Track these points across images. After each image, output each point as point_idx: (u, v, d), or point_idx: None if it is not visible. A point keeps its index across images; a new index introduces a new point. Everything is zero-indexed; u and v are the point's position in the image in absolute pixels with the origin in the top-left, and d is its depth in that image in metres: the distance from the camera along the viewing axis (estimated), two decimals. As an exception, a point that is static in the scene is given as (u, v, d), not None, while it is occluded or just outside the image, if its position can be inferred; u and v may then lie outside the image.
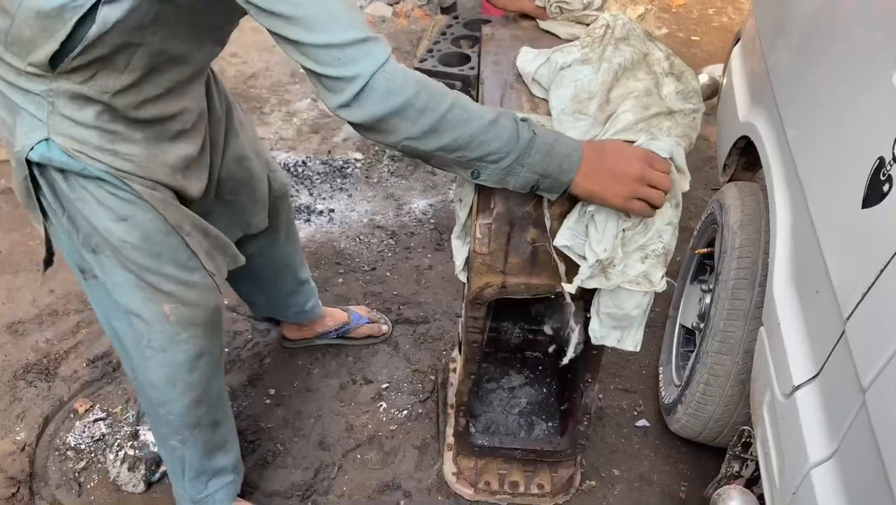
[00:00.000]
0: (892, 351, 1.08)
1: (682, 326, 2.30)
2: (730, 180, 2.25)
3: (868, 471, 1.13)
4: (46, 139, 1.21)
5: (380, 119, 1.05)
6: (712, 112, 3.53)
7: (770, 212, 1.68)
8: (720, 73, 2.56)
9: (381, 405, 2.26)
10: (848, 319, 1.24)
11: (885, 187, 1.20)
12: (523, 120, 1.16)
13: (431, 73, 2.95)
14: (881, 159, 1.23)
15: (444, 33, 3.26)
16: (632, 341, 1.44)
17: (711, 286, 2.07)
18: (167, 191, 1.34)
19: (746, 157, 2.17)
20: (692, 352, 2.22)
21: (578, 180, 1.19)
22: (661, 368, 2.30)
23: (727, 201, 1.96)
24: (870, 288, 1.19)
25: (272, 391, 2.31)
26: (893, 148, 1.20)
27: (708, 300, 2.07)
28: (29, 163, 1.23)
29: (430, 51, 3.12)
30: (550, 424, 2.13)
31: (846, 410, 1.21)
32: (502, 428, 2.10)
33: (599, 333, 1.43)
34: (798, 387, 1.39)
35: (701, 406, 1.87)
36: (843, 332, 1.26)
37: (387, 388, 2.31)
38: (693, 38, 4.17)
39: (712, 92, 2.63)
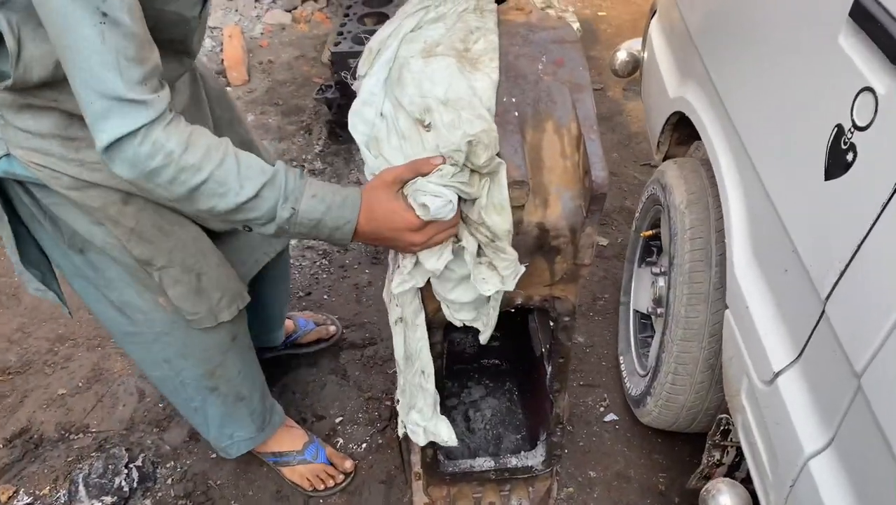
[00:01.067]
0: (886, 332, 1.01)
1: (637, 312, 2.23)
2: (665, 158, 2.19)
3: (872, 458, 1.07)
4: (7, 154, 1.18)
5: (131, 181, 1.01)
6: (630, 87, 3.51)
7: (719, 189, 1.61)
8: (639, 48, 2.49)
9: (338, 441, 2.11)
10: (827, 298, 1.17)
11: (849, 157, 1.13)
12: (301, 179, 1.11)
13: (350, 55, 2.87)
14: (839, 127, 1.16)
15: (346, 15, 3.15)
16: (482, 323, 1.31)
17: (662, 269, 2.01)
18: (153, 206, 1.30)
19: (680, 132, 2.11)
20: (651, 337, 2.16)
21: (361, 239, 1.16)
22: (621, 358, 2.23)
23: (668, 181, 1.89)
24: (847, 266, 1.12)
25: (217, 443, 2.13)
26: (852, 114, 1.13)
27: (662, 284, 2.00)
28: None
29: (341, 33, 3.00)
30: (519, 435, 2.03)
31: (839, 397, 1.15)
32: (471, 447, 1.99)
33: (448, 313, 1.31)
34: (779, 373, 1.32)
35: (672, 396, 1.80)
36: (823, 312, 1.19)
37: (341, 421, 2.16)
38: (600, 13, 4.13)
39: (633, 68, 2.56)
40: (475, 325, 1.33)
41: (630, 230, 2.68)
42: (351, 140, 1.20)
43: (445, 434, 1.46)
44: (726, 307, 1.57)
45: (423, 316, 1.33)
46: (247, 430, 1.86)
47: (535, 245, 1.26)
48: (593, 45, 3.83)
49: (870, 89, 1.09)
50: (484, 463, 1.79)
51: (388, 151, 1.17)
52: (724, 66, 1.64)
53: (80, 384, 2.31)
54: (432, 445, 1.70)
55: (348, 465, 1.97)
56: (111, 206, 1.26)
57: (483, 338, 1.34)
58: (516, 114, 1.23)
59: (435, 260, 1.17)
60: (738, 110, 1.55)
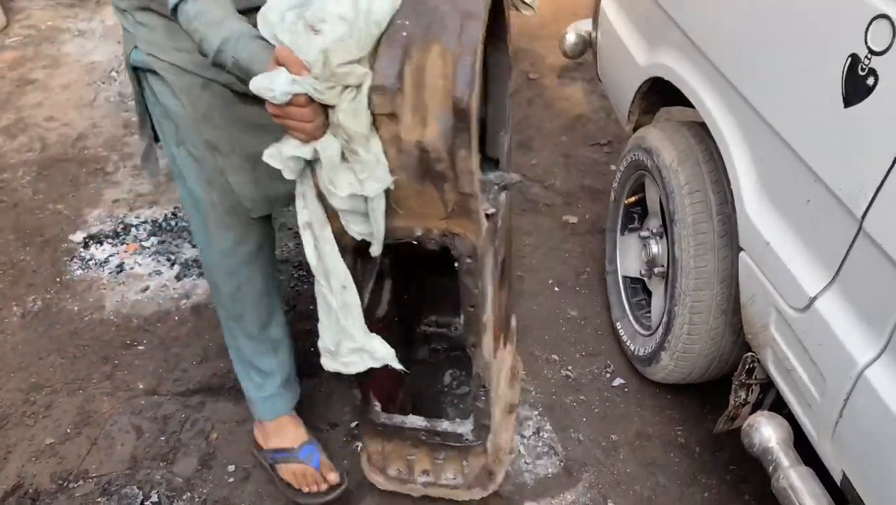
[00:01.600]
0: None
1: (627, 278, 2.30)
2: (634, 127, 2.27)
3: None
4: (135, 47, 1.54)
5: (182, 25, 1.30)
6: (565, 74, 3.62)
7: (718, 142, 1.69)
8: (587, 28, 2.58)
9: (358, 445, 2.07)
10: (864, 216, 1.26)
11: (870, 81, 1.22)
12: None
13: None
14: (853, 56, 1.26)
15: None
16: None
17: (654, 231, 2.09)
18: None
19: (648, 100, 2.20)
20: (645, 300, 2.24)
21: None
22: (617, 324, 2.29)
23: (652, 144, 1.97)
24: (883, 181, 1.21)
25: (231, 467, 2.06)
26: (867, 42, 1.22)
27: (655, 245, 2.08)
28: (134, 69, 1.57)
29: None
30: (462, 404, 2.06)
31: (888, 305, 1.23)
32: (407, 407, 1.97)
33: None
34: (815, 298, 1.40)
35: (688, 346, 1.87)
36: (860, 229, 1.27)
37: (357, 426, 2.13)
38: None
39: (582, 49, 2.65)
40: (370, 239, 1.36)
41: (594, 207, 2.78)
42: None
43: (381, 351, 1.46)
44: (741, 250, 1.66)
45: (329, 229, 1.36)
46: (274, 379, 1.93)
47: (420, 169, 1.28)
48: (520, 38, 3.93)
49: (884, 16, 1.19)
50: (416, 421, 1.73)
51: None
52: (707, 24, 1.73)
53: (69, 430, 2.17)
54: (362, 388, 1.67)
55: (332, 477, 1.93)
56: (193, 88, 1.53)
57: (373, 251, 1.38)
58: (405, 34, 1.25)
59: (291, 148, 1.23)
60: (730, 64, 1.63)
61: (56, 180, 3.11)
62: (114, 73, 3.76)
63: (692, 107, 1.91)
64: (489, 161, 1.68)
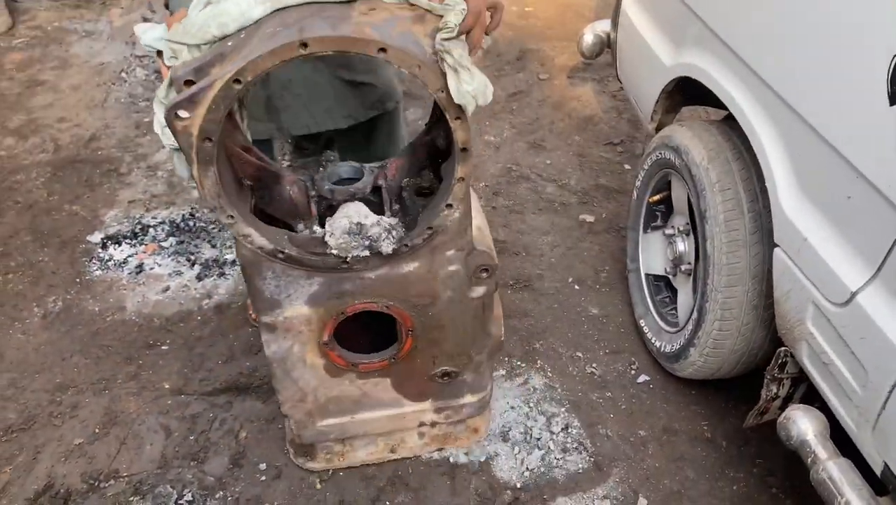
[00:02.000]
0: None
1: (649, 276, 2.33)
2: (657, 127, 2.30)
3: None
4: None
5: None
6: (574, 74, 3.64)
7: (752, 140, 1.72)
8: (605, 28, 2.61)
9: (390, 442, 2.09)
10: (911, 210, 1.29)
11: (917, 79, 1.25)
12: None
13: None
14: (898, 56, 1.29)
15: None
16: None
17: (680, 228, 2.12)
18: None
19: (671, 99, 2.23)
20: (669, 297, 2.26)
21: None
22: (641, 322, 2.32)
23: (681, 143, 2.00)
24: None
25: (263, 465, 2.06)
26: (914, 42, 1.26)
27: (682, 243, 2.11)
28: None
29: None
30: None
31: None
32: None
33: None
34: (857, 292, 1.43)
35: (719, 342, 1.90)
36: (906, 224, 1.30)
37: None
38: (527, 8, 4.27)
39: (600, 50, 2.68)
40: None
41: (610, 206, 2.81)
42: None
43: None
44: (775, 246, 1.69)
45: None
46: None
47: None
48: (528, 40, 3.97)
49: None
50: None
51: None
52: (741, 25, 1.77)
53: (97, 430, 2.17)
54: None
55: None
56: None
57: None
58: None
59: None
60: (766, 64, 1.67)
61: (70, 181, 3.10)
62: (123, 74, 3.75)
63: (718, 106, 1.95)
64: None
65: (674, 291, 2.23)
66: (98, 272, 2.69)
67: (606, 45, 2.64)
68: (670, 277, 2.22)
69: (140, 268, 2.70)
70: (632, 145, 3.20)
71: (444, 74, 1.32)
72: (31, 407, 2.25)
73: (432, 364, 1.85)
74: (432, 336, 1.78)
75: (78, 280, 2.66)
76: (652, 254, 2.32)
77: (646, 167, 2.25)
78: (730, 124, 1.96)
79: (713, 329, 1.89)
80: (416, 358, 1.82)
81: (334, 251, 1.56)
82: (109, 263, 2.72)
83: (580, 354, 2.32)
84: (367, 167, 1.69)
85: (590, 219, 2.82)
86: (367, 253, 1.56)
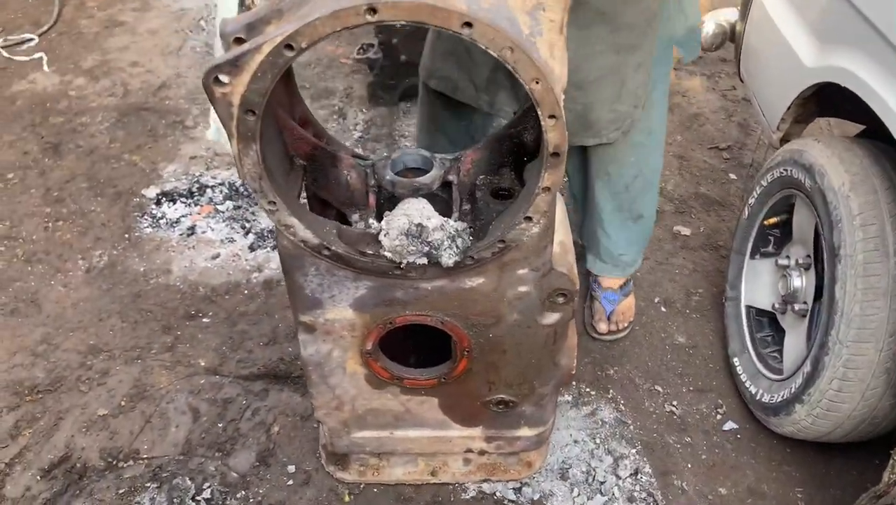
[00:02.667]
0: None
1: (751, 308, 2.02)
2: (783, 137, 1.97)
3: None
4: None
5: None
6: (680, 66, 3.29)
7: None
8: (729, 18, 2.27)
9: (432, 462, 1.86)
10: None
11: None
12: None
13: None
14: None
15: None
16: None
17: (799, 260, 1.80)
18: None
19: (804, 109, 1.89)
20: (772, 336, 1.95)
21: None
22: (734, 360, 2.01)
23: (815, 162, 1.67)
24: None
25: (291, 468, 1.87)
26: None
27: (798, 280, 1.79)
28: None
29: None
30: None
31: None
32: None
33: None
34: None
35: (835, 404, 1.59)
36: None
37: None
38: None
39: (721, 42, 2.34)
40: None
41: (709, 219, 2.49)
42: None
43: None
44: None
45: None
46: None
47: None
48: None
49: None
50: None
51: None
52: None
53: (123, 403, 2.02)
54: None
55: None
56: None
57: None
58: None
59: None
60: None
61: (135, 129, 2.96)
62: (202, 23, 3.59)
63: (860, 121, 1.62)
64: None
65: (780, 332, 1.91)
66: (148, 230, 2.54)
67: (729, 37, 2.30)
68: (778, 314, 1.91)
69: (192, 230, 2.53)
70: (740, 153, 2.85)
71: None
72: (61, 368, 2.11)
73: (487, 390, 1.60)
74: (491, 360, 1.54)
75: (127, 236, 2.51)
76: (758, 284, 2.00)
77: (764, 183, 1.93)
78: (878, 145, 1.62)
79: (830, 388, 1.58)
80: (470, 381, 1.58)
81: (387, 253, 1.32)
82: (161, 222, 2.56)
83: (659, 388, 2.03)
84: (438, 158, 1.43)
85: (685, 231, 2.50)
86: (424, 261, 1.32)
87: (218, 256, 2.45)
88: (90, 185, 2.71)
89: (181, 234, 2.52)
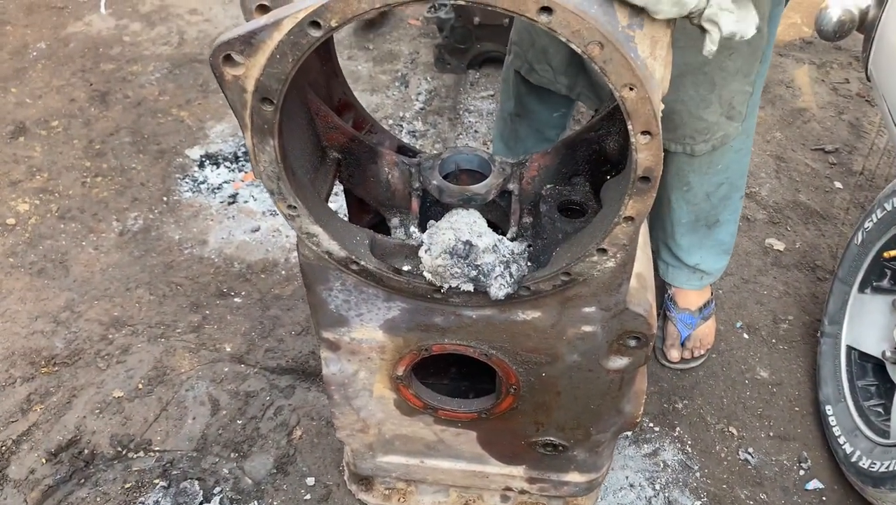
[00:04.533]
0: None
1: (854, 350, 1.73)
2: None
3: None
4: None
5: None
6: (787, 52, 2.92)
7: None
8: (863, 3, 1.92)
9: (465, 492, 1.65)
10: None
11: None
12: None
13: None
14: None
15: None
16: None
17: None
18: None
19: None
20: (877, 388, 1.66)
21: None
22: (826, 408, 1.73)
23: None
24: None
25: (311, 480, 1.70)
26: None
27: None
28: None
29: None
30: None
31: None
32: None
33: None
34: None
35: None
36: None
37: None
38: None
39: (848, 30, 2.00)
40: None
41: (807, 233, 2.18)
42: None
43: None
44: None
45: None
46: None
47: None
48: None
49: None
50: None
51: None
52: None
53: (140, 386, 1.87)
54: None
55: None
56: None
57: None
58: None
59: None
60: None
61: (186, 82, 2.79)
62: (269, -31, 3.37)
63: None
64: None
65: (888, 384, 1.62)
66: (188, 193, 2.37)
67: (858, 25, 1.95)
68: (888, 363, 1.61)
69: (234, 198, 2.36)
70: (849, 158, 2.50)
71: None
72: (81, 339, 1.98)
73: (535, 430, 1.38)
74: (541, 400, 1.31)
75: (165, 199, 2.35)
76: (865, 323, 1.71)
77: (888, 207, 1.62)
78: None
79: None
80: (515, 420, 1.36)
81: (427, 274, 1.09)
82: (202, 186, 2.39)
83: (734, 430, 1.77)
84: (498, 162, 1.19)
85: (779, 246, 2.19)
86: (469, 287, 1.09)
87: (258, 229, 2.27)
88: (133, 139, 2.56)
89: (222, 202, 2.35)
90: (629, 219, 0.98)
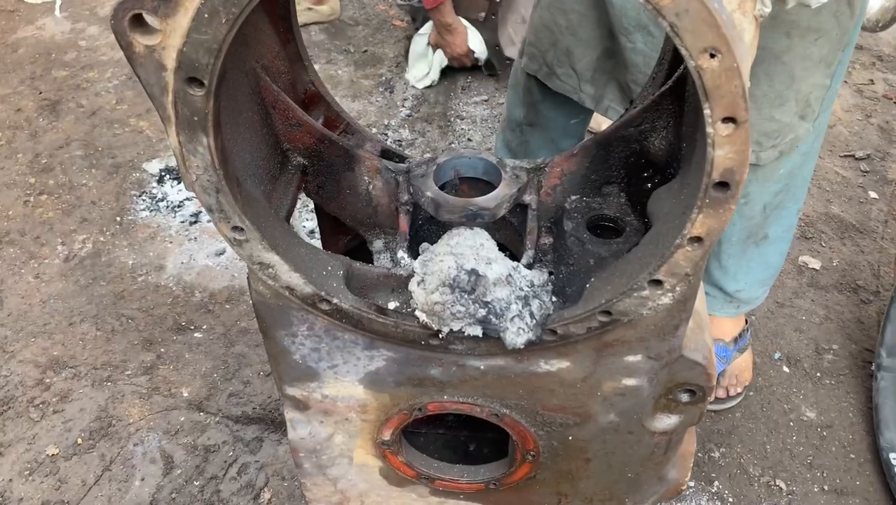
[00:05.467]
0: None
1: (920, 388, 1.47)
2: None
3: None
4: None
5: None
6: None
7: None
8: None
9: None
10: None
11: None
12: None
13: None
14: None
15: None
16: None
17: None
18: None
19: None
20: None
21: None
22: (892, 456, 1.47)
23: None
24: None
25: (281, 554, 1.41)
26: None
27: None
28: None
29: None
30: None
31: None
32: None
33: None
34: None
35: None
36: None
37: None
38: None
39: (892, 19, 1.77)
40: None
41: (844, 249, 1.93)
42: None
43: None
44: None
45: None
46: None
47: None
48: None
49: None
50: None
51: None
52: None
53: (80, 441, 1.59)
54: None
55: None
56: None
57: None
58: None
59: None
60: None
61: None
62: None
63: None
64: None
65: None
66: (144, 213, 2.09)
67: (905, 11, 1.72)
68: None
69: (196, 217, 2.08)
70: (882, 165, 2.26)
71: None
72: (12, 385, 1.69)
73: (556, 503, 1.11)
74: (566, 468, 1.04)
75: (118, 219, 2.07)
76: (933, 356, 1.45)
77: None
78: None
79: None
80: (532, 491, 1.09)
81: (421, 314, 0.83)
82: (161, 204, 2.12)
83: (782, 484, 1.50)
84: (510, 167, 0.92)
85: (814, 264, 1.94)
86: (477, 332, 0.82)
87: (223, 252, 1.99)
88: (85, 153, 2.28)
89: (182, 222, 2.07)
90: (696, 240, 0.72)
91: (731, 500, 1.48)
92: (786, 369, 1.70)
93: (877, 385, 1.56)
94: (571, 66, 1.36)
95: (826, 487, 1.50)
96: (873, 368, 1.59)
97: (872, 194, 2.16)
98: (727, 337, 1.61)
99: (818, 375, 1.69)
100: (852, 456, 1.55)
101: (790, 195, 1.40)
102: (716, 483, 1.50)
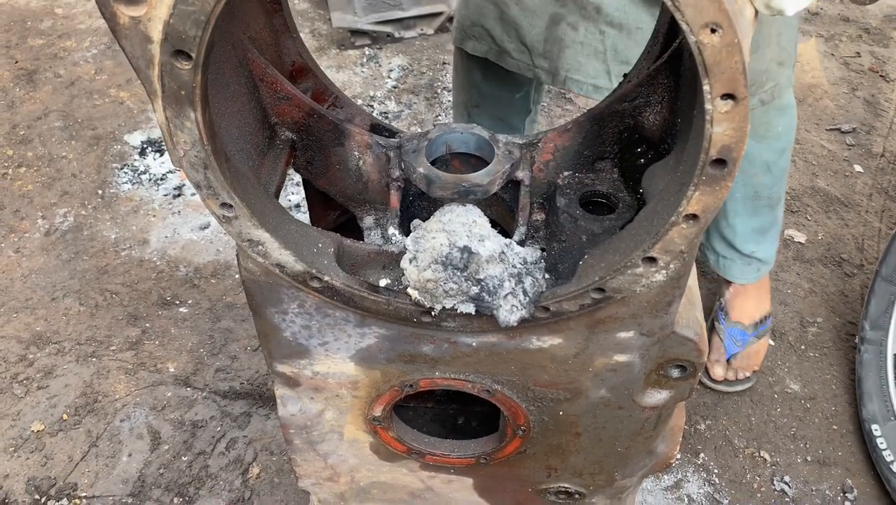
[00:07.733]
0: None
1: (902, 361, 1.49)
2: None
3: None
4: None
5: None
6: (801, 22, 2.68)
7: None
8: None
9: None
10: None
11: None
12: None
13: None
14: None
15: None
16: None
17: None
18: None
19: None
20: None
21: None
22: (873, 428, 1.50)
23: None
24: None
25: (270, 528, 1.42)
26: None
27: None
28: None
29: None
30: None
31: None
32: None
33: None
34: None
35: None
36: None
37: None
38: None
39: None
40: None
41: (829, 223, 1.94)
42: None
43: None
44: None
45: None
46: None
47: None
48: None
49: None
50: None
51: None
52: None
53: (65, 417, 1.58)
54: None
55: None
56: None
57: None
58: None
59: None
60: None
61: (126, 60, 2.46)
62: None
63: None
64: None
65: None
66: (126, 186, 2.06)
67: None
68: (948, 378, 1.38)
69: (179, 190, 2.06)
70: (867, 138, 2.27)
71: None
72: (-4, 361, 1.67)
73: (546, 476, 1.11)
74: (556, 442, 1.04)
75: (100, 192, 2.04)
76: (916, 330, 1.47)
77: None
78: None
79: None
80: (522, 465, 1.09)
81: (413, 292, 0.82)
82: (143, 177, 2.08)
83: (766, 455, 1.53)
84: (503, 142, 0.91)
85: (799, 238, 1.95)
86: (470, 309, 0.82)
87: (207, 226, 1.97)
88: (65, 124, 2.24)
89: (166, 195, 2.05)
90: (692, 217, 0.71)
91: (716, 471, 1.49)
92: (771, 342, 1.72)
93: (860, 358, 1.58)
94: (521, 40, 1.32)
95: (809, 458, 1.53)
96: (857, 340, 1.61)
97: (858, 168, 2.17)
98: (747, 321, 1.61)
99: (802, 347, 1.71)
100: (835, 427, 1.58)
101: (790, 154, 1.43)
102: (701, 455, 1.52)
